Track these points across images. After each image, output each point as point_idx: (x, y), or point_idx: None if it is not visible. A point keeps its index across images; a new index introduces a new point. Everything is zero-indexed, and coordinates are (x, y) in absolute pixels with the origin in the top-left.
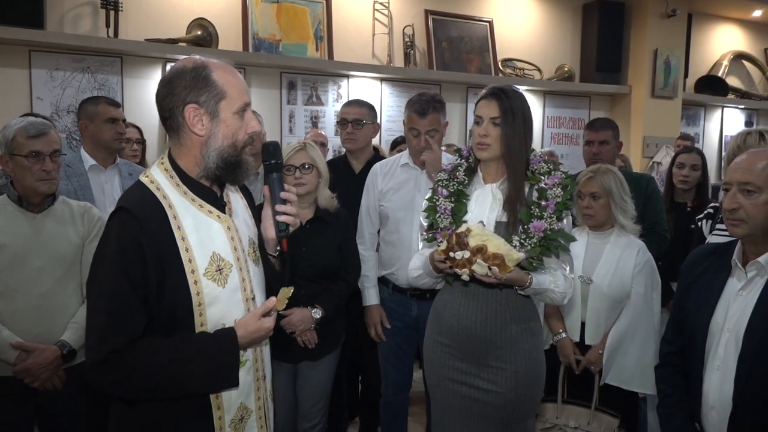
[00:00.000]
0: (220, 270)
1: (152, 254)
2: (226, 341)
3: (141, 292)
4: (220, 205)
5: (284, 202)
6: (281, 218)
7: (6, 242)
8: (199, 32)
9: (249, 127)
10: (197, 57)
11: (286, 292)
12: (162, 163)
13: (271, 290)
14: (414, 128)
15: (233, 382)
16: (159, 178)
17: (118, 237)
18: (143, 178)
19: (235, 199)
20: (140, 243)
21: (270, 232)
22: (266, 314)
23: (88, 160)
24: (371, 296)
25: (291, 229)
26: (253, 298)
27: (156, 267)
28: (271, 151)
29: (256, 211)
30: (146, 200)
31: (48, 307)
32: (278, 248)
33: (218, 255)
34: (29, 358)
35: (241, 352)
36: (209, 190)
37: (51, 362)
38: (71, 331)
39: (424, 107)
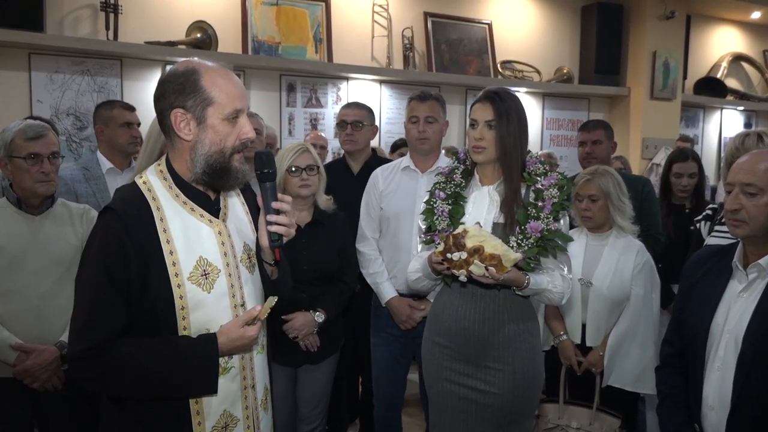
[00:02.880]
0: (206, 275)
1: (135, 254)
2: (206, 347)
3: (122, 292)
4: (214, 208)
5: (277, 212)
6: (272, 228)
7: (4, 244)
8: (198, 35)
9: (241, 133)
10: (193, 60)
11: (270, 301)
12: (158, 165)
13: (266, 298)
14: (414, 116)
15: (211, 389)
16: (152, 180)
17: (102, 237)
18: (137, 179)
19: (233, 203)
20: (123, 243)
21: (265, 240)
22: (251, 323)
23: (105, 164)
24: (388, 290)
25: (285, 239)
26: (243, 305)
27: (139, 267)
28: (263, 161)
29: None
30: (135, 201)
31: (47, 309)
32: (273, 257)
33: (205, 260)
34: (29, 359)
35: (225, 359)
36: (203, 194)
37: (50, 363)
38: None
39: (425, 94)
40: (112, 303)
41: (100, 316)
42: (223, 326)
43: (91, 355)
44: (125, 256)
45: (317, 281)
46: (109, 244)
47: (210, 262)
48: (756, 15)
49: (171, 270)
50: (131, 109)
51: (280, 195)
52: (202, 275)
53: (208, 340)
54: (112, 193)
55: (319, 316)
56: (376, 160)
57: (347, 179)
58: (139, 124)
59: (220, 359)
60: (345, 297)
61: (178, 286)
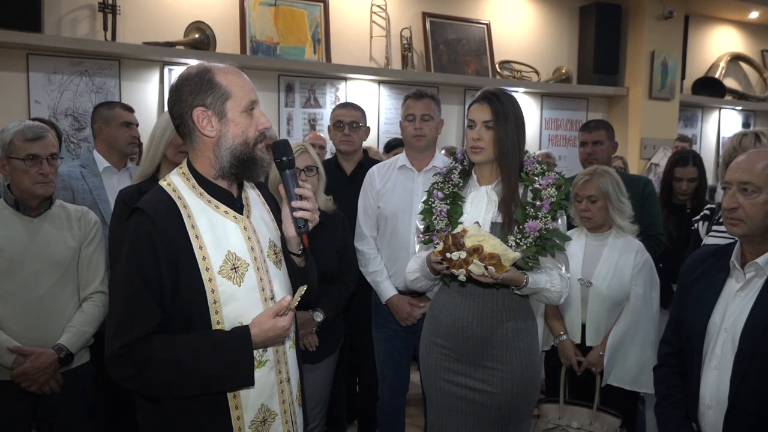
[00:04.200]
0: (235, 268)
1: (166, 252)
2: (239, 339)
3: (155, 289)
4: (237, 206)
5: (300, 198)
6: (298, 214)
7: (2, 246)
8: (196, 35)
9: (259, 123)
10: (202, 63)
11: (300, 290)
12: (180, 168)
13: (295, 290)
14: (410, 114)
15: (247, 381)
16: (176, 181)
17: (133, 236)
18: (162, 182)
19: (254, 200)
20: (154, 241)
21: (290, 230)
22: (282, 314)
23: (102, 162)
24: (388, 289)
25: (311, 224)
26: (272, 298)
27: (170, 264)
28: (281, 149)
29: (279, 214)
30: (161, 201)
31: (45, 311)
32: (300, 246)
33: (234, 254)
34: (26, 362)
35: (260, 351)
36: (226, 192)
37: (48, 366)
38: (68, 335)
39: (420, 92)
40: (146, 301)
41: (135, 314)
42: (254, 318)
43: (129, 352)
44: (156, 255)
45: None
46: (141, 244)
47: (238, 257)
48: (754, 15)
49: (201, 264)
50: (131, 110)
51: (300, 182)
52: (231, 269)
53: (241, 331)
54: (108, 192)
55: (318, 316)
56: (368, 160)
57: (340, 179)
58: (137, 125)
59: (256, 352)
60: (344, 297)
61: (210, 280)
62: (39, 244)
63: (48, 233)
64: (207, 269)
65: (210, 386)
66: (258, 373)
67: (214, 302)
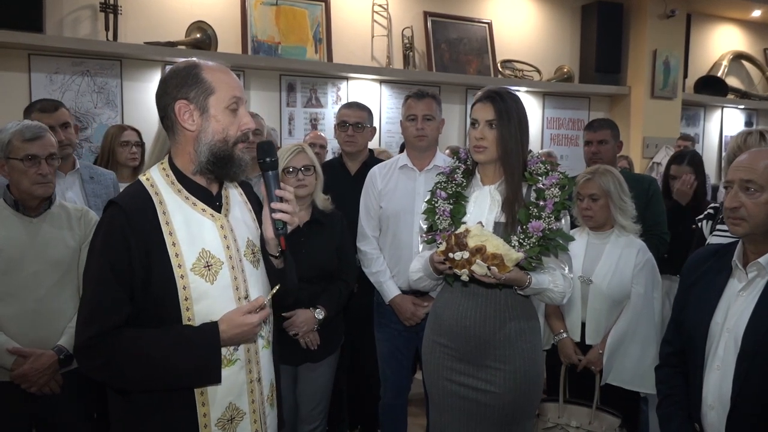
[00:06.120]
0: (208, 266)
1: (138, 246)
2: (207, 334)
3: (126, 282)
4: (216, 204)
5: (281, 200)
6: (277, 216)
7: (2, 247)
8: (198, 35)
9: (242, 123)
10: (192, 59)
11: (273, 289)
12: (161, 163)
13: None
14: (411, 114)
15: (214, 378)
16: (155, 177)
17: (106, 230)
18: (141, 177)
19: (235, 199)
20: (126, 235)
21: (269, 231)
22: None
23: None
24: (391, 288)
25: (289, 227)
26: (247, 297)
27: (142, 259)
28: (265, 150)
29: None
30: (138, 196)
31: (44, 312)
32: (278, 248)
33: (208, 252)
34: (26, 363)
35: (231, 350)
36: (204, 189)
37: (48, 367)
38: (68, 336)
39: (422, 92)
40: (116, 293)
41: (105, 306)
42: (224, 315)
43: (98, 343)
44: (128, 248)
45: (316, 279)
46: (113, 237)
47: (212, 255)
48: (756, 13)
49: (174, 261)
50: (51, 109)
51: (282, 184)
52: (204, 267)
53: (210, 327)
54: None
55: (319, 313)
56: (373, 160)
57: (344, 179)
58: (65, 125)
59: (226, 351)
60: (344, 295)
61: (182, 276)
62: (39, 244)
63: (48, 233)
64: (179, 266)
65: (176, 381)
66: (227, 372)
67: (186, 299)
